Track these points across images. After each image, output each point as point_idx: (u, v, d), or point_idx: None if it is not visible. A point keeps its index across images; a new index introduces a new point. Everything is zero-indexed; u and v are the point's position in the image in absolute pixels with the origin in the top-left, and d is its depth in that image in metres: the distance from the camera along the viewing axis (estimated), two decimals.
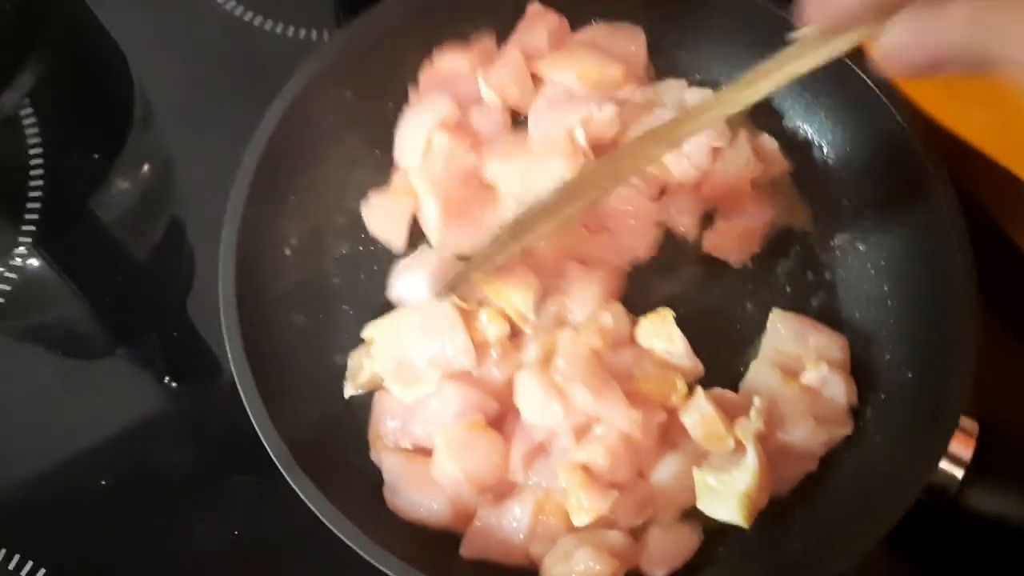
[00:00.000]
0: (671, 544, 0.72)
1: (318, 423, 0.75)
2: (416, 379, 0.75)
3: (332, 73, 0.81)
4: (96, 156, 0.92)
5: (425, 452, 0.75)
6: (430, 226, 0.82)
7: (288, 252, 0.81)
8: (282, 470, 0.68)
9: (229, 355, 0.71)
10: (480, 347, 0.75)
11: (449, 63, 0.86)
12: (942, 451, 0.69)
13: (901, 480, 0.69)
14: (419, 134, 0.83)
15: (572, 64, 0.85)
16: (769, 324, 0.79)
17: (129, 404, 0.84)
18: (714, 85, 0.87)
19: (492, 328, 0.75)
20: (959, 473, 0.68)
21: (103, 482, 0.80)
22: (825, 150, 0.86)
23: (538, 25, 0.87)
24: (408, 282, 0.78)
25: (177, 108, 0.96)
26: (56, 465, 0.81)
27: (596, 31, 0.89)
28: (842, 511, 0.72)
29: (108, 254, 0.91)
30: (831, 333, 0.79)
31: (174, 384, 0.85)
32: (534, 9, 0.88)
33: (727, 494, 0.70)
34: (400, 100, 0.87)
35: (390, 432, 0.76)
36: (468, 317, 0.76)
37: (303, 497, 0.67)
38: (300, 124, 0.80)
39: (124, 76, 0.97)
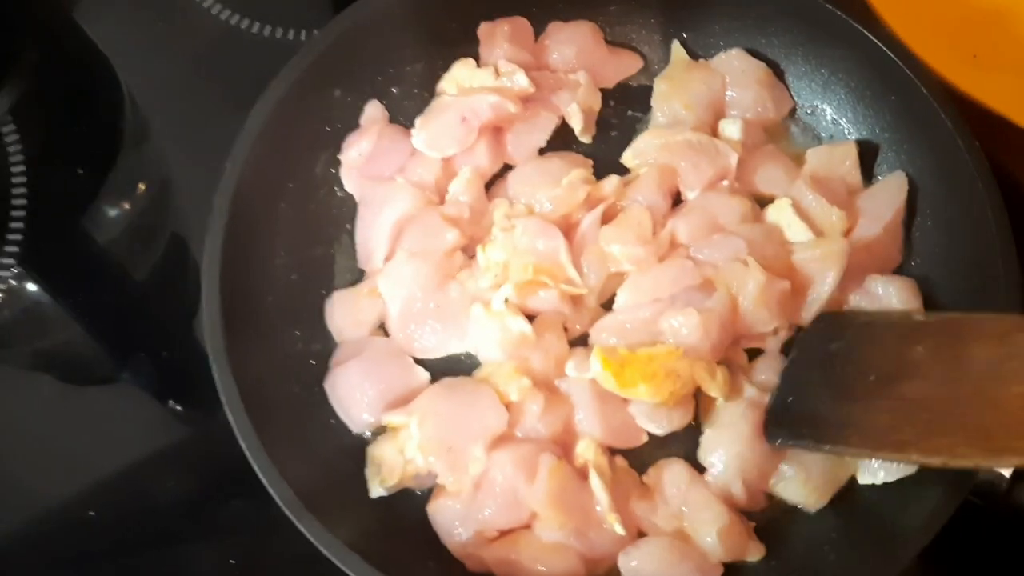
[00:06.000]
0: None
1: (311, 448, 0.73)
2: (467, 461, 0.70)
3: (316, 71, 0.79)
4: (82, 171, 0.90)
5: (516, 528, 0.71)
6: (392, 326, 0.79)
7: (279, 264, 0.78)
8: (280, 504, 0.65)
9: (217, 382, 0.68)
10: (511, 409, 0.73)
11: (356, 151, 0.82)
12: None
13: (945, 480, 0.66)
14: (382, 236, 0.80)
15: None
16: None
17: (133, 428, 0.82)
18: None
19: (512, 387, 0.73)
20: (1007, 470, 0.66)
21: (91, 513, 0.78)
22: (847, 130, 0.84)
23: (496, 40, 0.85)
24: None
25: (171, 118, 0.94)
26: (53, 493, 0.79)
27: None
28: (876, 519, 0.70)
29: (104, 274, 0.89)
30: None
31: (178, 407, 0.83)
32: (484, 30, 0.86)
33: None
34: (389, 98, 0.84)
35: (471, 539, 0.70)
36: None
37: (296, 522, 0.65)
38: (286, 125, 0.77)
39: (113, 88, 0.95)
